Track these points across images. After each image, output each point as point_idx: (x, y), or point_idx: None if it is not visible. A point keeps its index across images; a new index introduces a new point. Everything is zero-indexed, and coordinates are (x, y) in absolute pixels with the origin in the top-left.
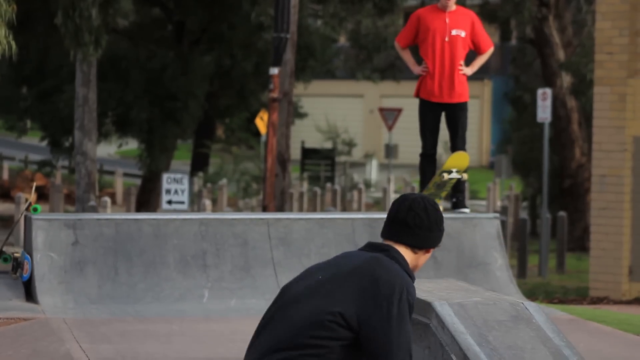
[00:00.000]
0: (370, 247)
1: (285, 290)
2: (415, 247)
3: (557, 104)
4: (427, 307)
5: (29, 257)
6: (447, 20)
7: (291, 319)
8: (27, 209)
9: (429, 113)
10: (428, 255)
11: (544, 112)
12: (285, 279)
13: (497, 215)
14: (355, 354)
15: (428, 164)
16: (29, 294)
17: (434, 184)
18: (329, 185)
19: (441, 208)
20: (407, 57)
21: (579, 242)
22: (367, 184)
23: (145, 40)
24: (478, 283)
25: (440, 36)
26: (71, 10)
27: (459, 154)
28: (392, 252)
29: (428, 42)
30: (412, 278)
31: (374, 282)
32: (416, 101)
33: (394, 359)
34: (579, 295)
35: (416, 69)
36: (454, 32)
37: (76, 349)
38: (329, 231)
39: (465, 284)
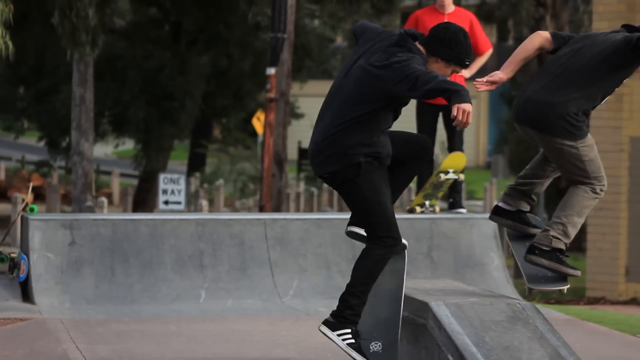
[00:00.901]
0: None
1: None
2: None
3: None
4: (423, 308)
5: (25, 257)
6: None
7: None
8: (23, 209)
9: (426, 114)
10: None
11: None
12: (282, 279)
13: None
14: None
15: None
16: (26, 294)
17: (430, 184)
18: (325, 185)
19: (438, 209)
20: None
21: (576, 242)
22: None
23: (142, 40)
24: (475, 283)
25: None
26: (68, 10)
27: (456, 154)
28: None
29: None
30: None
31: None
32: (413, 101)
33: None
34: (575, 296)
35: None
36: None
37: (73, 350)
38: (326, 231)
39: (462, 285)
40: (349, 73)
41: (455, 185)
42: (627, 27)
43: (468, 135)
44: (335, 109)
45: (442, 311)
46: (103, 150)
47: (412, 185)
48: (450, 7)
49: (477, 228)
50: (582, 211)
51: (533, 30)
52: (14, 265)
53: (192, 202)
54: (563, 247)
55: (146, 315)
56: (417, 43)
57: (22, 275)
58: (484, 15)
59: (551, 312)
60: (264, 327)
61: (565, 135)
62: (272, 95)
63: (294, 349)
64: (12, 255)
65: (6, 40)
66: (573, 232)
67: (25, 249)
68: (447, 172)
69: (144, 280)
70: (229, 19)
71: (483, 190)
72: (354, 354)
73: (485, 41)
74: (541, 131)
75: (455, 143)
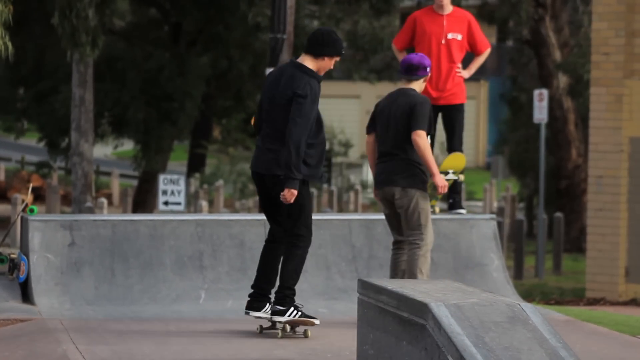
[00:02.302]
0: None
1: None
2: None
3: (554, 105)
4: (423, 308)
5: (25, 258)
6: (444, 23)
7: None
8: (23, 210)
9: None
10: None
11: (540, 112)
12: None
13: (494, 216)
14: None
15: None
16: (26, 295)
17: (430, 185)
18: (325, 186)
19: (437, 209)
20: None
21: (576, 243)
22: (364, 185)
23: (141, 40)
24: (474, 284)
25: (436, 39)
26: (68, 11)
27: (456, 155)
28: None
29: (424, 45)
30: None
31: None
32: None
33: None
34: (575, 296)
35: None
36: (450, 36)
37: (73, 350)
38: (326, 232)
39: (462, 285)
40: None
41: (455, 186)
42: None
43: (467, 136)
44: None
45: (442, 312)
46: (103, 151)
47: None
48: (449, 8)
49: (477, 229)
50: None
51: (533, 30)
52: (14, 266)
53: (191, 202)
54: None
55: (146, 316)
56: (304, 55)
57: (22, 276)
58: (484, 15)
59: (551, 313)
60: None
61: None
62: None
63: (294, 349)
64: (12, 256)
65: (6, 41)
66: None
67: (25, 249)
68: (446, 173)
69: (144, 281)
70: (229, 20)
71: (483, 190)
72: (308, 319)
73: (483, 41)
74: None
75: (454, 144)
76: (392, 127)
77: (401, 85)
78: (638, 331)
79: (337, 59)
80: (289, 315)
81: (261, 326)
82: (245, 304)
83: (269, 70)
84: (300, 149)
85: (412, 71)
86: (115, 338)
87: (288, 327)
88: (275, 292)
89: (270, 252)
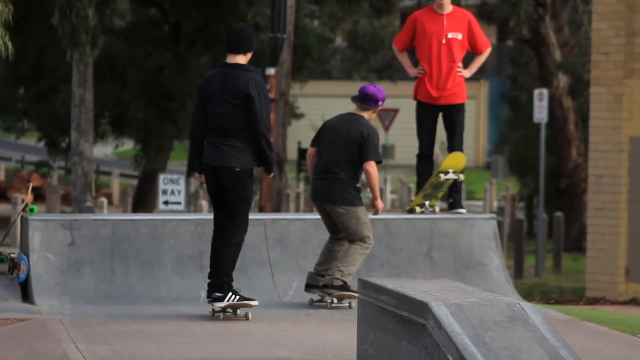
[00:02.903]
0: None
1: None
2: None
3: (554, 104)
4: (423, 308)
5: (25, 257)
6: (445, 23)
7: None
8: (23, 210)
9: (426, 114)
10: None
11: (540, 112)
12: (282, 279)
13: (494, 215)
14: None
15: (425, 164)
16: (26, 294)
17: (430, 185)
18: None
19: (438, 209)
20: (404, 59)
21: (576, 242)
22: (363, 185)
23: (141, 40)
24: (475, 283)
25: (437, 39)
26: (68, 10)
27: (456, 154)
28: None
29: (425, 44)
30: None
31: None
32: (413, 101)
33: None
34: (575, 296)
35: (412, 72)
36: (450, 35)
37: (73, 350)
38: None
39: (462, 285)
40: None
41: (455, 186)
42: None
43: (468, 136)
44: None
45: (442, 311)
46: (103, 150)
47: (412, 185)
48: (449, 8)
49: (477, 228)
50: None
51: (533, 30)
52: (14, 265)
53: (192, 202)
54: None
55: (146, 316)
56: (234, 55)
57: (22, 275)
58: (484, 15)
59: (551, 312)
60: (264, 328)
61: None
62: (271, 95)
63: (294, 349)
64: (12, 255)
65: (6, 40)
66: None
67: (25, 249)
68: (447, 173)
69: (144, 280)
70: (229, 19)
71: (483, 190)
72: (247, 302)
73: (483, 40)
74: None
75: (455, 143)
76: (341, 148)
77: (354, 110)
78: (638, 330)
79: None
80: (228, 300)
81: (213, 310)
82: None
83: (269, 70)
84: (268, 139)
85: (366, 101)
86: (115, 337)
87: (230, 311)
88: (213, 279)
89: (220, 242)
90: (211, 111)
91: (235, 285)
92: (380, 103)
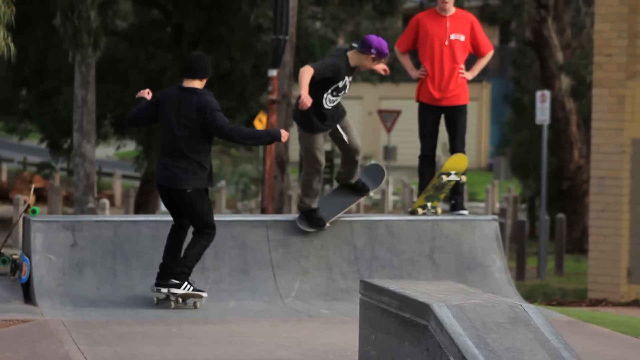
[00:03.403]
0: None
1: None
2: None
3: (556, 106)
4: (425, 309)
5: (27, 259)
6: (447, 25)
7: None
8: (25, 211)
9: (429, 116)
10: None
11: (542, 114)
12: (284, 281)
13: (496, 217)
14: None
15: (427, 165)
16: (28, 295)
17: (432, 186)
18: (327, 187)
19: (440, 210)
20: (406, 62)
21: (578, 244)
22: None
23: (143, 42)
24: (476, 285)
25: (439, 41)
26: (70, 12)
27: (458, 156)
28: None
29: (427, 46)
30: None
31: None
32: (415, 103)
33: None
34: (577, 297)
35: (414, 74)
36: (453, 37)
37: (74, 351)
38: (328, 233)
39: (464, 286)
40: None
41: (457, 187)
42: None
43: (470, 137)
44: None
45: (444, 313)
46: (105, 152)
47: (414, 187)
48: (451, 10)
49: (479, 230)
50: None
51: (535, 32)
52: (16, 266)
53: None
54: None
55: (147, 317)
56: (191, 80)
57: (24, 276)
58: (486, 17)
59: (553, 313)
60: (266, 329)
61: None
62: (274, 97)
63: (296, 350)
64: (14, 256)
65: (8, 42)
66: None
67: (27, 250)
68: (449, 174)
69: (146, 281)
70: (231, 21)
71: (485, 192)
72: (199, 292)
73: (486, 42)
74: None
75: (457, 145)
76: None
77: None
78: None
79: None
80: (184, 289)
81: (157, 298)
82: (247, 304)
83: (271, 72)
84: (247, 135)
85: (361, 45)
86: (117, 339)
87: (180, 300)
88: (175, 268)
89: (177, 235)
90: (167, 133)
91: (237, 286)
92: (372, 50)
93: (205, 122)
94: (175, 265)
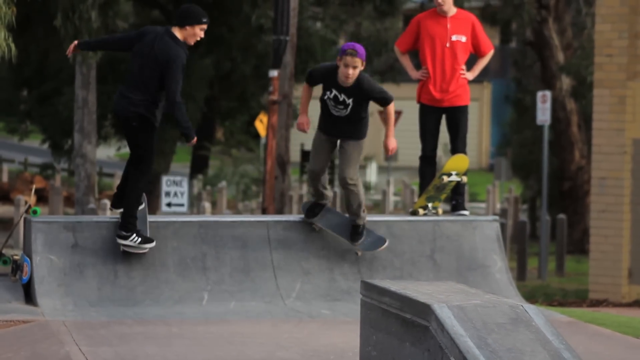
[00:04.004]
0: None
1: None
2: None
3: (557, 107)
4: (426, 310)
5: (28, 259)
6: (449, 26)
7: None
8: (26, 212)
9: (430, 117)
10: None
11: (543, 114)
12: (285, 281)
13: (497, 217)
14: None
15: (428, 166)
16: (29, 296)
17: (433, 187)
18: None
19: (440, 211)
20: (406, 62)
21: (579, 244)
22: (367, 187)
23: None
24: (477, 286)
25: (440, 42)
26: (71, 13)
27: (459, 156)
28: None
29: (428, 47)
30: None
31: None
32: (416, 103)
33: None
34: (578, 298)
35: (414, 74)
36: (454, 38)
37: (75, 352)
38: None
39: (465, 287)
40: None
41: (458, 188)
42: None
43: (471, 138)
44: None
45: (444, 313)
46: (106, 152)
47: (415, 187)
48: (452, 11)
49: (480, 230)
50: None
51: (536, 32)
52: (17, 267)
53: (194, 204)
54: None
55: (149, 318)
56: (174, 27)
57: (25, 277)
58: (487, 17)
59: (554, 314)
60: (267, 330)
61: None
62: (274, 97)
63: (297, 351)
64: (15, 257)
65: (9, 42)
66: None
67: (28, 251)
68: (449, 175)
69: (147, 282)
70: (232, 22)
71: (486, 192)
72: (146, 244)
73: (486, 42)
74: None
75: (458, 145)
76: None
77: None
78: None
79: (203, 26)
80: (131, 240)
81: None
82: (248, 305)
83: (272, 72)
84: (180, 106)
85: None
86: (118, 339)
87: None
88: (121, 218)
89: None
90: (133, 63)
91: (238, 287)
92: (341, 53)
93: (162, 69)
94: (122, 215)
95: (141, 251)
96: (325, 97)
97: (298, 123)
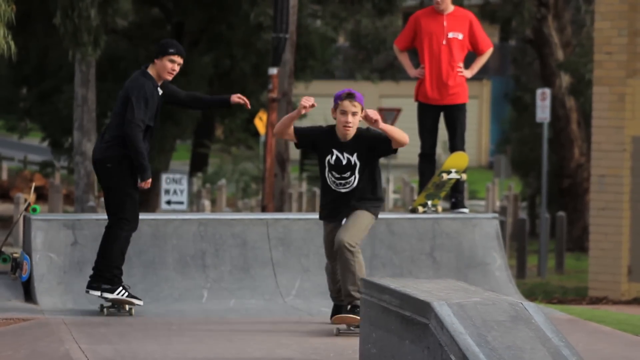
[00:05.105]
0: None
1: None
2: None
3: (556, 104)
4: (426, 308)
5: (28, 257)
6: (445, 23)
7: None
8: (26, 210)
9: (428, 115)
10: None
11: (543, 112)
12: (285, 279)
13: (496, 215)
14: None
15: (427, 164)
16: (28, 294)
17: (433, 184)
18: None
19: (440, 208)
20: (405, 60)
21: (578, 242)
22: None
23: (144, 40)
24: (477, 283)
25: (437, 39)
26: (70, 10)
27: (458, 154)
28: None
29: (425, 45)
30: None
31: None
32: (414, 103)
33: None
34: (578, 296)
35: (412, 72)
36: (451, 35)
37: (75, 349)
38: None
39: (465, 284)
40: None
41: (457, 185)
42: None
43: (470, 135)
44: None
45: (444, 311)
46: None
47: (415, 185)
48: (449, 8)
49: (480, 228)
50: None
51: (535, 30)
52: (17, 265)
53: (194, 202)
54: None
55: (148, 315)
56: (149, 66)
57: (25, 275)
58: (487, 15)
59: (553, 312)
60: (267, 327)
61: None
62: (274, 95)
63: (296, 349)
64: (15, 255)
65: (8, 40)
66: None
67: (27, 249)
68: (449, 172)
69: (147, 280)
70: (231, 20)
71: (485, 190)
72: (132, 300)
73: (485, 40)
74: None
75: (457, 143)
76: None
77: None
78: None
79: (173, 57)
80: (118, 294)
81: (102, 305)
82: (247, 302)
83: (271, 70)
84: (137, 146)
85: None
86: (117, 337)
87: (115, 305)
88: (104, 272)
89: (110, 236)
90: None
91: (237, 284)
92: (336, 101)
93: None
94: (104, 269)
95: (134, 304)
96: (326, 163)
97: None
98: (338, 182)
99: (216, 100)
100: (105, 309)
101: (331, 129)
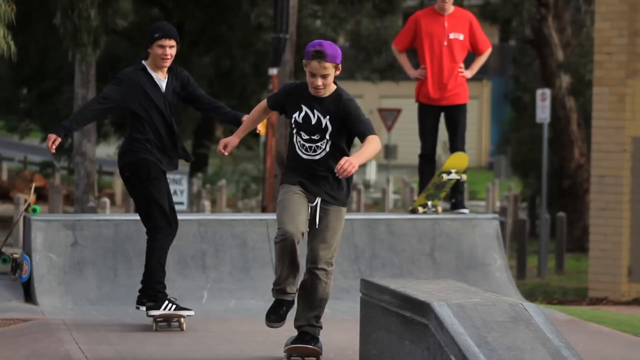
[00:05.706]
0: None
1: None
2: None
3: (556, 105)
4: (426, 308)
5: (28, 258)
6: (446, 24)
7: None
8: (26, 210)
9: (428, 115)
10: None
11: (543, 112)
12: None
13: (496, 215)
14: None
15: (427, 164)
16: (28, 295)
17: (433, 185)
18: None
19: (440, 209)
20: (404, 61)
21: (578, 242)
22: (366, 185)
23: (144, 40)
24: (477, 284)
25: (438, 40)
26: (70, 11)
27: (458, 154)
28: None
29: (426, 45)
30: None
31: None
32: (414, 103)
33: None
34: (578, 296)
35: (412, 73)
36: (452, 36)
37: (75, 350)
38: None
39: (465, 285)
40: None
41: (457, 186)
42: None
43: (470, 136)
44: None
45: (444, 312)
46: (105, 150)
47: (415, 185)
48: (450, 9)
49: (480, 228)
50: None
51: (535, 30)
52: (17, 266)
53: (194, 202)
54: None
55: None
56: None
57: (25, 276)
58: (487, 15)
59: (553, 312)
60: (267, 328)
61: None
62: None
63: None
64: (15, 256)
65: (8, 41)
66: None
67: (27, 249)
68: (449, 173)
69: None
70: (231, 20)
71: (485, 190)
72: (182, 312)
73: (484, 41)
74: None
75: (457, 143)
76: None
77: None
78: None
79: (160, 42)
80: (165, 309)
81: (154, 318)
82: (248, 303)
83: (271, 70)
84: (82, 107)
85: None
86: (117, 338)
87: (164, 320)
88: (146, 289)
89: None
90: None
91: (238, 285)
92: (305, 57)
93: None
94: (146, 285)
95: (183, 316)
96: (293, 121)
97: (220, 141)
98: (308, 145)
99: (231, 118)
100: (154, 324)
101: (303, 83)
